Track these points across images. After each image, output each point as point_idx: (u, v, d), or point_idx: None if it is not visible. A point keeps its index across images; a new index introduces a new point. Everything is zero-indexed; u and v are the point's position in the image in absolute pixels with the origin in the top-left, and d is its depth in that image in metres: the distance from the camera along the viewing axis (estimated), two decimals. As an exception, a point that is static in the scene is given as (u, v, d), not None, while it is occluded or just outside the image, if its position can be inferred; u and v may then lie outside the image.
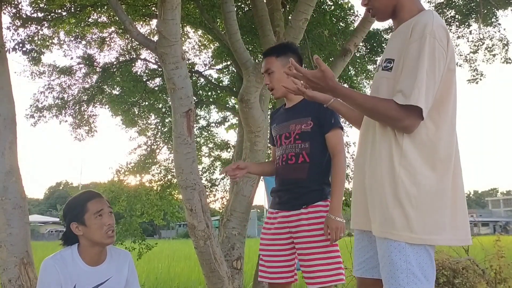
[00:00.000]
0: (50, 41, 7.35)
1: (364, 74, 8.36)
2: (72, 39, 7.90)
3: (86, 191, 2.23)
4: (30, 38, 6.42)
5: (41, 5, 6.43)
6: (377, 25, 7.90)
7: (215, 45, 8.86)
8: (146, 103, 9.22)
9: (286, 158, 2.38)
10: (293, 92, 1.80)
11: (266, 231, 2.46)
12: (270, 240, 2.41)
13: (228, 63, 9.06)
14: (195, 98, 8.28)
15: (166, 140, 9.31)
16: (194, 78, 9.11)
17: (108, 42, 8.48)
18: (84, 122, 8.89)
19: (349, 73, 7.94)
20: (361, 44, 6.94)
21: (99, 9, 6.92)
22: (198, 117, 9.98)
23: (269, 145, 2.76)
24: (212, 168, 10.40)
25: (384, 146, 1.53)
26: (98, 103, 8.96)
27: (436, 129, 1.51)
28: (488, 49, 7.89)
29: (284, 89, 1.98)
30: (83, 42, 8.17)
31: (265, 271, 2.42)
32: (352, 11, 7.59)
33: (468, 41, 7.98)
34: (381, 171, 1.52)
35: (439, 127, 1.51)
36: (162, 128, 9.47)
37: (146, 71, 9.11)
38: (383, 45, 7.64)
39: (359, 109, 1.61)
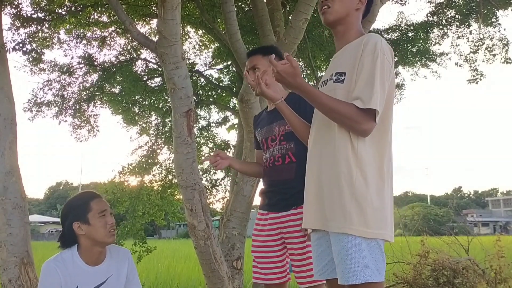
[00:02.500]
0: (51, 41, 7.35)
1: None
2: (72, 38, 7.90)
3: (86, 191, 2.24)
4: (30, 38, 6.42)
5: (41, 5, 6.43)
6: (377, 25, 7.90)
7: (216, 45, 8.86)
8: (146, 102, 9.21)
9: (273, 160, 2.40)
10: (251, 85, 1.97)
11: (258, 232, 2.47)
12: (263, 242, 2.43)
13: (229, 63, 9.05)
14: (195, 98, 8.28)
15: (166, 140, 9.30)
16: (194, 78, 9.11)
17: (108, 42, 8.48)
18: (85, 122, 8.88)
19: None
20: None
21: (99, 9, 6.92)
22: (199, 117, 9.97)
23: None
24: (212, 168, 10.39)
25: (342, 149, 1.65)
26: (98, 102, 8.96)
27: (381, 135, 1.68)
28: (488, 49, 7.88)
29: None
30: (84, 42, 8.17)
31: (258, 272, 2.43)
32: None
33: (468, 41, 7.98)
34: (340, 172, 1.64)
35: (384, 133, 1.69)
36: (163, 128, 9.46)
37: (146, 71, 9.11)
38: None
39: (321, 108, 1.68)
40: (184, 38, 8.67)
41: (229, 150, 10.30)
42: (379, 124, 1.65)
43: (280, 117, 2.37)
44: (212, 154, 2.52)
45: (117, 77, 8.54)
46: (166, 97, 8.55)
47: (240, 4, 7.04)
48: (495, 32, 7.70)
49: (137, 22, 7.51)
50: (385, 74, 1.63)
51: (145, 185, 9.41)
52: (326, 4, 1.81)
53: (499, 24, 7.59)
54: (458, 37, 7.99)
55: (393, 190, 1.73)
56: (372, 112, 1.59)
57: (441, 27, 8.01)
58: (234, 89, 8.63)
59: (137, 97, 8.88)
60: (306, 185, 1.79)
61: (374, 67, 1.62)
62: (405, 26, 8.01)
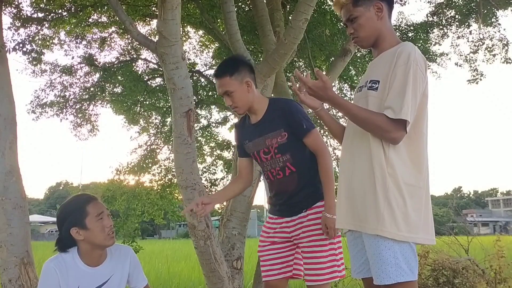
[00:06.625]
0: (51, 41, 7.34)
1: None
2: (72, 39, 7.90)
3: (81, 195, 2.20)
4: (30, 39, 6.41)
5: (42, 5, 6.42)
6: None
7: (216, 45, 8.85)
8: (147, 102, 9.22)
9: (275, 173, 2.41)
10: (296, 91, 1.99)
11: (264, 233, 2.51)
12: (267, 241, 2.48)
13: (229, 63, 9.00)
14: (195, 98, 8.29)
15: (166, 140, 9.31)
16: (194, 78, 9.11)
17: (108, 42, 8.48)
18: (86, 121, 8.88)
19: (350, 73, 7.94)
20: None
21: (99, 9, 6.91)
22: (200, 117, 9.99)
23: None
24: (212, 167, 10.42)
25: (376, 155, 1.73)
26: (99, 102, 8.96)
27: (412, 145, 1.74)
28: (488, 49, 7.87)
29: (247, 104, 2.34)
30: (84, 42, 8.16)
31: (263, 270, 2.48)
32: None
33: (468, 41, 7.97)
34: (374, 176, 1.71)
35: (415, 143, 1.75)
36: (163, 128, 9.47)
37: (147, 71, 9.11)
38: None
39: (352, 118, 1.76)
40: (184, 38, 8.66)
41: (229, 150, 10.33)
42: (411, 132, 1.71)
43: (269, 129, 2.37)
44: (192, 203, 2.39)
45: (119, 77, 8.54)
46: (167, 97, 8.55)
47: (240, 4, 7.04)
48: (495, 32, 7.70)
49: (137, 22, 7.51)
50: (418, 84, 1.68)
51: (144, 184, 9.43)
52: (352, 36, 1.89)
53: (499, 24, 7.59)
54: (458, 37, 7.99)
55: (429, 194, 1.79)
56: (402, 122, 1.66)
57: (441, 27, 8.01)
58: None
59: (138, 97, 8.88)
60: (339, 188, 1.87)
61: (406, 77, 1.67)
62: (405, 26, 8.01)
